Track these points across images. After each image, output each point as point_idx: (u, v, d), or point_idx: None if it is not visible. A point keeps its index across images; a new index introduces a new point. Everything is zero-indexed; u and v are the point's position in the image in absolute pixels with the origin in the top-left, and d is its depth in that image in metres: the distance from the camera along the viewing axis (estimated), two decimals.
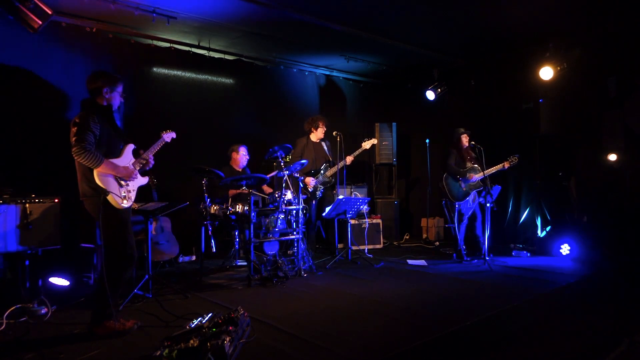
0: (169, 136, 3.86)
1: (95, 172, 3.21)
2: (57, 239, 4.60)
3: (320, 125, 6.24)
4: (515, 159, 5.91)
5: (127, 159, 3.47)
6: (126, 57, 5.88)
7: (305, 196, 5.96)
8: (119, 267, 3.32)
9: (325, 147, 6.32)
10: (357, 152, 6.31)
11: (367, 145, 6.38)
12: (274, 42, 6.48)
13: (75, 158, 3.18)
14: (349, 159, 6.22)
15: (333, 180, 6.17)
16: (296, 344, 3.06)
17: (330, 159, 6.26)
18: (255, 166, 6.58)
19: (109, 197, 3.23)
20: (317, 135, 6.29)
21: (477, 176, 5.90)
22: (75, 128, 3.18)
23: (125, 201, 3.34)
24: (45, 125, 5.19)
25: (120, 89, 3.48)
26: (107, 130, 3.33)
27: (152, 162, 3.68)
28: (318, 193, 6.22)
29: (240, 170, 5.94)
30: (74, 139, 3.16)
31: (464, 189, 5.95)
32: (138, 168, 3.54)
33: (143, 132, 5.61)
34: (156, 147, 3.73)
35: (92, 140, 3.19)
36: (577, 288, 4.78)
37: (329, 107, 7.85)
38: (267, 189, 5.94)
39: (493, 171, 5.86)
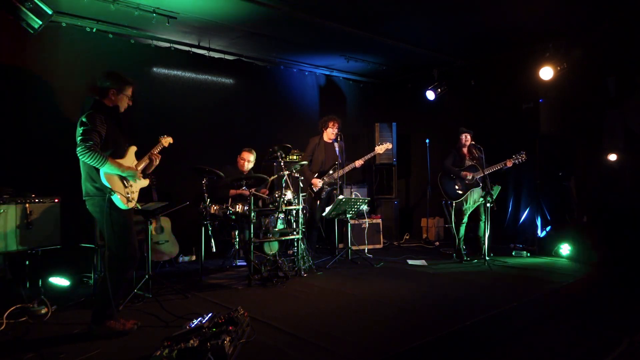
0: (166, 141, 3.86)
1: (101, 172, 3.22)
2: (57, 239, 4.60)
3: (330, 126, 6.16)
4: (523, 157, 5.85)
5: (130, 160, 3.48)
6: (126, 57, 5.88)
7: (306, 196, 5.95)
8: (121, 267, 3.33)
9: (337, 148, 6.17)
10: (368, 156, 6.26)
11: (380, 150, 6.33)
12: (274, 42, 6.47)
13: (80, 157, 3.18)
14: (359, 163, 6.16)
15: (340, 182, 6.10)
16: (296, 344, 3.06)
17: (340, 160, 6.11)
18: (256, 167, 6.57)
19: (115, 197, 3.24)
20: (328, 135, 6.24)
21: (474, 175, 5.89)
22: (82, 127, 3.18)
23: (129, 202, 3.35)
24: (46, 125, 5.19)
25: (128, 92, 3.48)
26: (113, 131, 3.34)
27: (157, 162, 3.70)
28: (323, 194, 6.21)
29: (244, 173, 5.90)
30: (79, 138, 3.15)
31: (461, 188, 5.96)
32: (140, 169, 3.55)
33: (143, 133, 5.63)
34: (155, 151, 3.73)
35: (98, 140, 3.18)
36: (577, 288, 4.78)
37: (329, 107, 7.84)
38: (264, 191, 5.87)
39: (492, 170, 5.85)
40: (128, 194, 3.35)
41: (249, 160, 5.90)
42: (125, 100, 3.49)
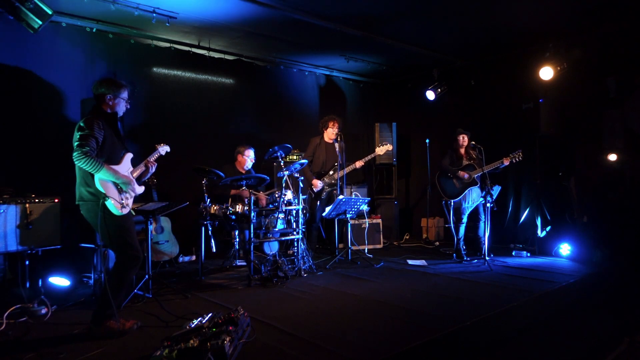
0: (163, 149, 3.86)
1: (96, 177, 3.21)
2: (57, 239, 4.60)
3: (330, 126, 6.12)
4: (519, 155, 5.85)
5: (125, 167, 3.47)
6: (126, 58, 5.88)
7: (306, 196, 5.94)
8: (123, 268, 3.33)
9: (337, 149, 6.09)
10: (369, 157, 6.24)
11: (380, 151, 6.29)
12: (274, 42, 6.47)
13: (76, 162, 3.17)
14: (359, 163, 6.14)
15: (340, 182, 6.01)
16: (296, 344, 3.06)
17: (341, 161, 6.02)
18: (256, 166, 6.58)
19: (109, 203, 3.22)
20: (328, 135, 6.20)
21: (472, 174, 5.89)
22: (80, 132, 3.18)
23: (123, 208, 3.34)
24: (46, 126, 5.19)
25: (124, 95, 3.47)
26: (111, 136, 3.33)
27: (153, 170, 3.69)
28: (324, 194, 6.20)
29: (243, 172, 5.87)
30: (76, 143, 3.15)
31: (458, 187, 5.96)
32: (136, 176, 3.54)
33: (143, 133, 5.64)
34: (151, 159, 3.73)
35: (94, 145, 3.18)
36: (577, 288, 4.78)
37: (329, 107, 7.84)
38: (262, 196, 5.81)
39: (491, 168, 5.84)
40: (122, 199, 3.33)
41: (250, 158, 5.85)
42: (123, 103, 3.49)
